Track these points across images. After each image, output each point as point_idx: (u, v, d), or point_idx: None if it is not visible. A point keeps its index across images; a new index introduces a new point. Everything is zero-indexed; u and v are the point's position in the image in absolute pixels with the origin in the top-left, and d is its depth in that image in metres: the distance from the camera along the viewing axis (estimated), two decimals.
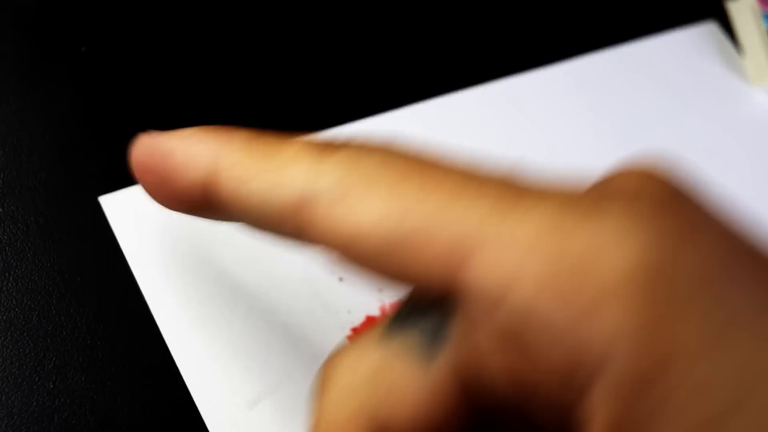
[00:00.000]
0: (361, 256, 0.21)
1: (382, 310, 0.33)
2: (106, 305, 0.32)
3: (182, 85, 0.37)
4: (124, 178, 0.34)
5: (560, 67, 0.40)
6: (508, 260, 0.19)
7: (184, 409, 0.30)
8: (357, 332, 0.32)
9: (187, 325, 0.32)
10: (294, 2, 0.40)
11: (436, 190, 0.21)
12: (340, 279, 0.33)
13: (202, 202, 0.25)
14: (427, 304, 0.22)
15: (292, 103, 0.37)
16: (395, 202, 0.21)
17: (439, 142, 0.36)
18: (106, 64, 0.37)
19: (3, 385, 0.30)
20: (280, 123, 0.36)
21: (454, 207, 0.21)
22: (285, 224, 0.23)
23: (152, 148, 0.26)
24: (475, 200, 0.20)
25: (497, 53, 0.40)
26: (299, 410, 0.31)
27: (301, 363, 0.31)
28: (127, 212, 0.33)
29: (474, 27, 0.41)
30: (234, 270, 0.33)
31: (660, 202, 0.20)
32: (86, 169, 0.34)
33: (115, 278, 0.32)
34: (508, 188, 0.21)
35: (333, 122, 0.37)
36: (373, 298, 0.33)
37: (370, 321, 0.32)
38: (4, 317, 0.31)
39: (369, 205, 0.21)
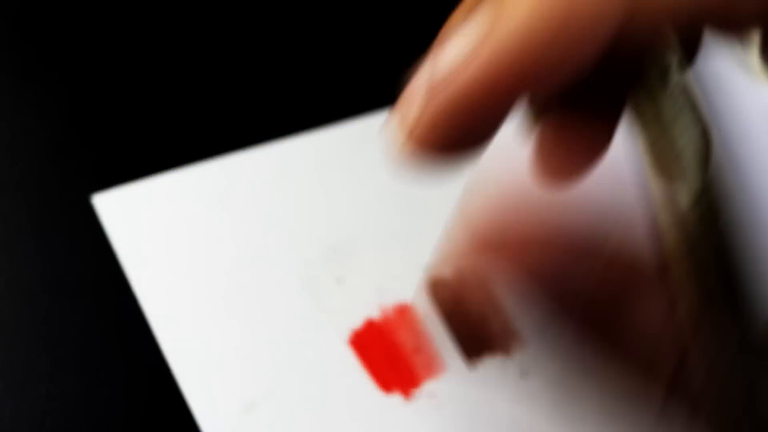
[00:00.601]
0: None
1: (383, 313, 0.32)
2: (99, 308, 0.32)
3: (176, 83, 0.37)
4: (117, 177, 0.34)
5: None
6: None
7: (179, 414, 0.30)
8: (358, 335, 0.32)
9: (183, 328, 0.31)
10: (289, 1, 0.39)
11: None
12: (339, 282, 0.32)
13: None
14: None
15: (286, 102, 0.37)
16: None
17: None
18: (99, 61, 0.36)
19: None
20: (275, 120, 0.36)
21: None
22: None
23: None
24: None
25: None
26: (296, 414, 0.30)
27: (299, 367, 0.31)
28: (121, 211, 0.33)
29: None
30: (231, 272, 0.32)
31: None
32: (79, 168, 0.34)
33: (108, 280, 0.32)
34: None
35: (328, 119, 0.36)
36: (371, 301, 0.32)
37: (369, 325, 0.32)
38: None
39: None
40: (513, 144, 0.24)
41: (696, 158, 0.23)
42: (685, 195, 0.23)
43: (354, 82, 0.38)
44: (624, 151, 0.24)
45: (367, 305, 0.32)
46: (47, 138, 0.35)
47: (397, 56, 0.39)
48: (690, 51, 0.25)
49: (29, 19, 0.37)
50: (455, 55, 0.21)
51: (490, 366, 0.32)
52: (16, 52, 0.36)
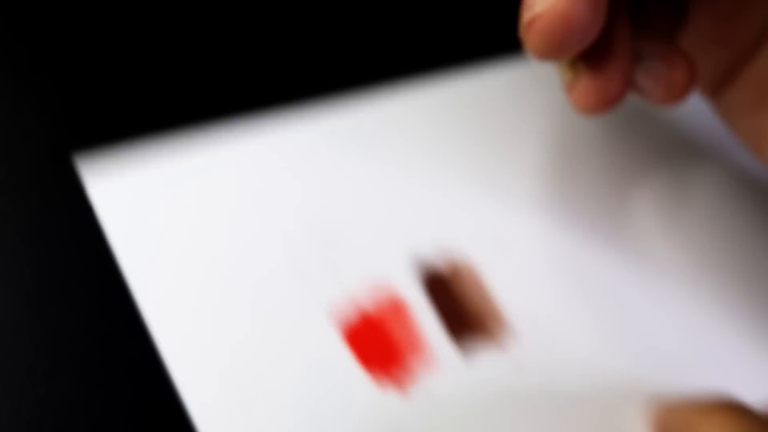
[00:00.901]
0: None
1: (378, 309, 0.32)
2: (96, 307, 0.32)
3: (175, 83, 0.37)
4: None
5: None
6: None
7: (177, 414, 0.30)
8: (354, 332, 0.32)
9: (180, 328, 0.31)
10: None
11: None
12: (335, 277, 0.32)
13: None
14: None
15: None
16: None
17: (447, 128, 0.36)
18: (97, 60, 0.36)
19: None
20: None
21: None
22: None
23: None
24: None
25: (493, 37, 0.39)
26: (293, 413, 0.30)
27: (295, 365, 0.31)
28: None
29: (467, 9, 0.40)
30: (230, 273, 0.32)
31: None
32: (77, 168, 0.34)
33: (108, 281, 0.32)
34: None
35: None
36: (367, 297, 0.32)
37: (365, 321, 0.32)
38: None
39: None
40: None
41: None
42: None
43: (348, 69, 0.37)
44: None
45: (362, 301, 0.32)
46: (44, 137, 0.34)
47: (391, 45, 0.39)
48: None
49: (25, 18, 0.37)
50: None
51: (486, 362, 0.32)
52: (12, 51, 0.36)
